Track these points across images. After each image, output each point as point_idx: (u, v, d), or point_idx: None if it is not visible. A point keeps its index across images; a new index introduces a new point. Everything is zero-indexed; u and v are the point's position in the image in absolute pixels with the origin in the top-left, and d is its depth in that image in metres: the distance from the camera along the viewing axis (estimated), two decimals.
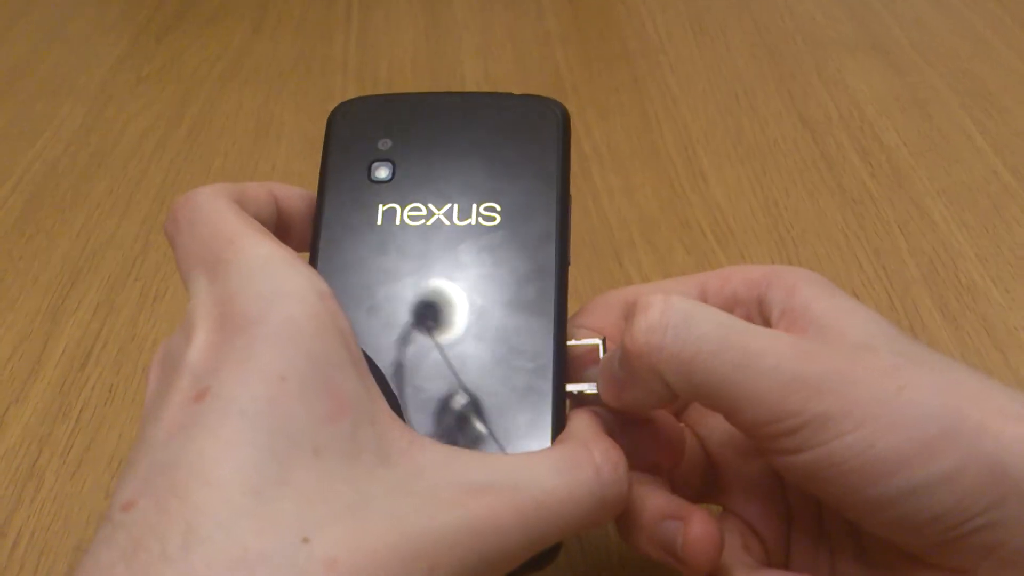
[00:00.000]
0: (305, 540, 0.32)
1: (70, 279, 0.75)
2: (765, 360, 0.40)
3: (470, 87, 0.95)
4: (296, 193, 0.48)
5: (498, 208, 0.46)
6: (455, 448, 0.39)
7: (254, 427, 0.34)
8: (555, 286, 0.45)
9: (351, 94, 0.92)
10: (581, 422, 0.42)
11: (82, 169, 0.88)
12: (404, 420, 0.40)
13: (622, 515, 0.45)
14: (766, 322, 0.45)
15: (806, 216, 0.76)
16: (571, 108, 0.86)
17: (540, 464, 0.39)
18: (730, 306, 0.47)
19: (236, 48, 1.05)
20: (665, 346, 0.40)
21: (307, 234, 0.47)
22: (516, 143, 0.48)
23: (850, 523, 0.45)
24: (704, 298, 0.47)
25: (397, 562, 0.33)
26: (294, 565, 0.32)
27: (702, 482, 0.49)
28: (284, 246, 0.41)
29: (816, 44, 0.97)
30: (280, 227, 0.46)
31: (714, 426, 0.49)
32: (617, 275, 0.71)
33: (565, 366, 0.44)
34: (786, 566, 0.47)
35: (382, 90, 0.95)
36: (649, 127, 0.88)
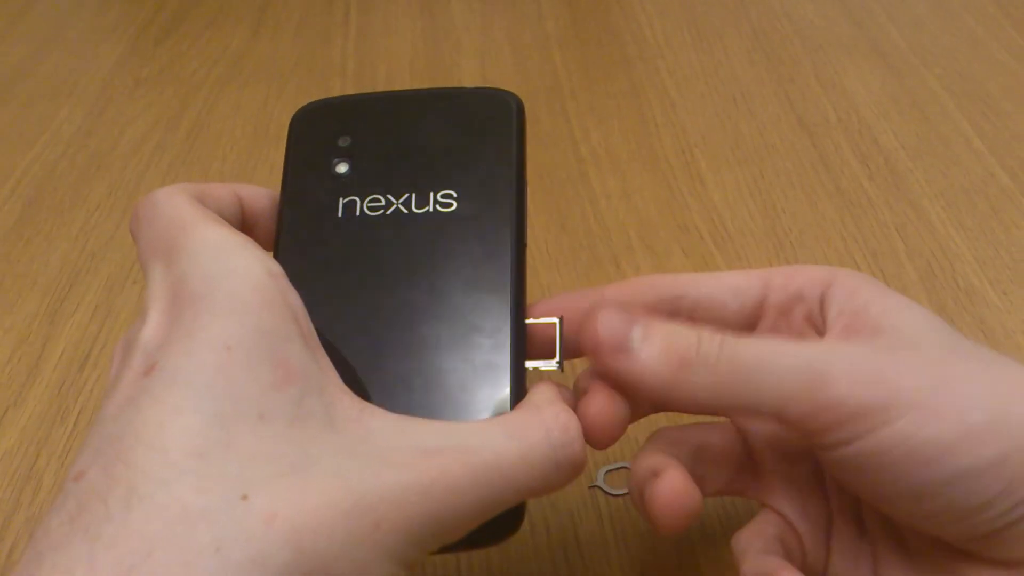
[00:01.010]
0: (244, 497, 0.33)
1: (68, 282, 0.75)
2: (793, 361, 0.41)
3: None
4: (261, 192, 0.49)
5: (455, 195, 0.47)
6: (407, 417, 0.39)
7: (199, 394, 0.35)
8: (511, 265, 0.46)
9: None
10: (538, 391, 0.43)
11: (81, 171, 0.88)
12: (367, 398, 0.41)
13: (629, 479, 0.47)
14: (824, 320, 0.46)
15: (804, 219, 0.76)
16: (569, 112, 0.87)
17: (491, 428, 0.40)
18: (794, 303, 0.48)
19: (235, 51, 1.05)
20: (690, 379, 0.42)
21: (272, 231, 0.48)
22: (472, 133, 0.50)
23: (891, 522, 0.46)
24: (768, 292, 0.48)
25: (340, 517, 0.34)
26: (233, 520, 0.33)
27: (735, 473, 0.49)
28: (237, 232, 0.42)
29: (814, 47, 0.97)
30: (245, 226, 0.47)
31: (758, 428, 0.49)
32: (614, 279, 0.71)
33: (524, 342, 0.45)
34: (826, 566, 0.48)
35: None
36: (647, 131, 0.88)
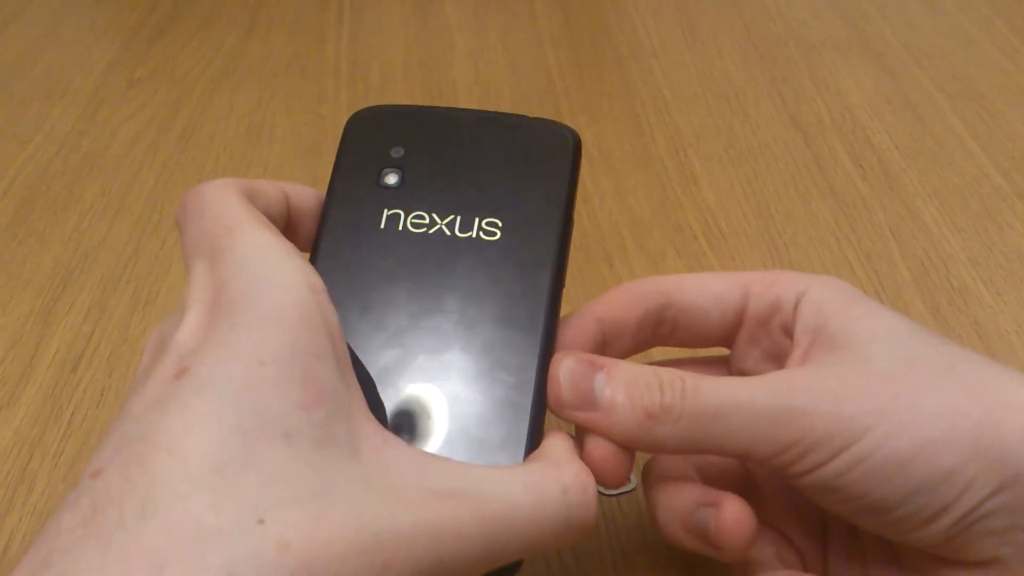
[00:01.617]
0: (260, 521, 0.33)
1: (62, 282, 0.75)
2: (751, 406, 0.42)
3: (461, 90, 0.95)
4: (308, 192, 0.49)
5: (500, 224, 0.47)
6: (427, 453, 0.40)
7: (226, 406, 0.35)
8: (546, 306, 0.45)
9: (343, 97, 0.92)
10: (556, 442, 0.43)
11: (74, 172, 0.88)
12: (384, 421, 0.41)
13: (660, 508, 0.47)
14: (792, 335, 0.47)
15: (798, 219, 0.76)
16: (563, 112, 0.86)
17: (509, 478, 0.40)
18: (771, 312, 0.49)
19: (228, 51, 1.05)
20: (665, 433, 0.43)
21: (314, 232, 0.48)
22: (526, 164, 0.49)
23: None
24: (748, 301, 0.49)
25: (353, 553, 0.34)
26: (246, 544, 0.32)
27: (736, 493, 0.48)
28: (283, 238, 0.42)
29: (808, 47, 0.97)
30: (290, 225, 0.47)
31: None
32: (608, 279, 0.72)
33: (547, 386, 0.44)
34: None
35: (374, 93, 0.95)
36: (641, 131, 0.88)
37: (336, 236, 0.48)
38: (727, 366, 0.53)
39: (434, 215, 0.47)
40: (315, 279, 0.40)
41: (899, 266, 0.71)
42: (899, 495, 0.41)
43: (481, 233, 0.47)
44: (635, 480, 0.58)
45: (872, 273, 0.70)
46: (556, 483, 0.40)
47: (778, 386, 0.43)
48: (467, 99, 0.94)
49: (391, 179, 0.49)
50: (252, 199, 0.44)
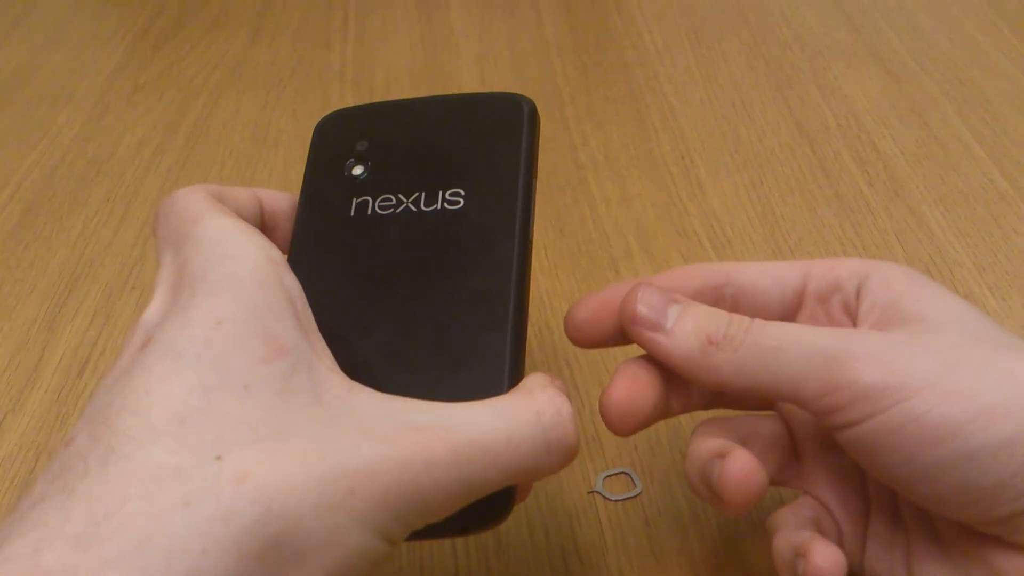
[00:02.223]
0: (218, 458, 0.35)
1: (67, 287, 0.75)
2: (811, 344, 0.43)
3: None
4: (281, 196, 0.51)
5: (463, 192, 0.48)
6: (396, 396, 0.40)
7: (186, 364, 0.37)
8: (516, 258, 0.46)
9: (348, 102, 0.92)
10: (530, 378, 0.43)
11: (79, 177, 0.88)
12: (361, 380, 0.41)
13: (686, 460, 0.48)
14: (857, 312, 0.48)
15: (803, 225, 0.76)
16: (568, 117, 0.87)
17: (479, 408, 0.41)
18: (831, 292, 0.49)
19: (233, 56, 1.05)
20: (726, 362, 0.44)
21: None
22: (483, 135, 0.51)
23: (925, 513, 0.46)
24: (808, 281, 0.50)
25: (312, 482, 0.35)
26: (204, 478, 0.34)
27: (782, 463, 0.50)
28: (243, 222, 0.44)
29: (813, 53, 0.97)
30: (265, 228, 0.49)
31: (804, 420, 0.51)
32: (614, 283, 0.72)
33: (524, 333, 0.45)
34: (862, 556, 0.49)
35: (379, 98, 0.95)
36: (646, 136, 0.88)
37: (310, 227, 0.50)
38: None
39: (400, 195, 0.49)
40: (273, 252, 0.42)
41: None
42: (953, 460, 0.40)
43: (445, 204, 0.48)
44: (640, 485, 0.58)
45: None
46: (529, 407, 0.41)
47: (840, 333, 0.44)
48: None
49: (357, 170, 0.51)
50: (222, 201, 0.46)
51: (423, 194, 0.49)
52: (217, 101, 0.98)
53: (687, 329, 0.45)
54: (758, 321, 0.45)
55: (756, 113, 0.90)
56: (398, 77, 0.99)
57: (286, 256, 0.46)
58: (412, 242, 0.48)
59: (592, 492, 0.58)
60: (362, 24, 1.10)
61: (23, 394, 0.67)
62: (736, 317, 0.45)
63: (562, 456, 0.42)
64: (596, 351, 0.66)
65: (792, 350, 0.43)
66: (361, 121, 0.54)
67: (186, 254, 0.42)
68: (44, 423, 0.65)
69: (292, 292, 0.41)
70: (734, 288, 0.50)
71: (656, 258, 0.74)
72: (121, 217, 0.82)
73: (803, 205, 0.78)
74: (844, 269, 0.48)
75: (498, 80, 0.97)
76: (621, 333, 0.49)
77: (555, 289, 0.72)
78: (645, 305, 0.46)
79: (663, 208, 0.79)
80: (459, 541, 0.55)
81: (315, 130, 0.54)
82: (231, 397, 0.37)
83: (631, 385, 0.47)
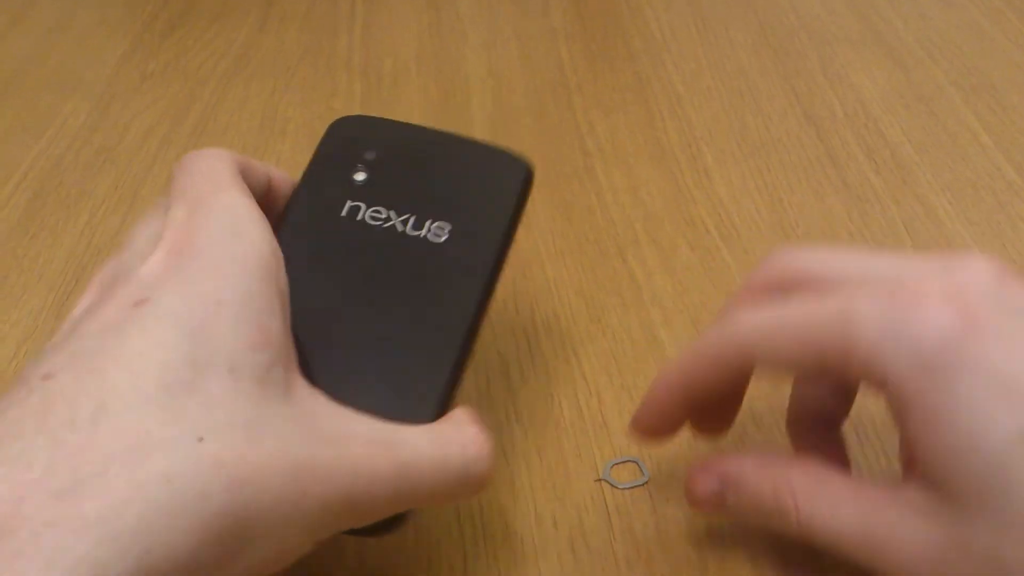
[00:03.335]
0: (200, 439, 0.37)
1: (74, 276, 0.75)
2: (845, 542, 0.45)
3: (474, 84, 0.95)
4: (287, 179, 0.54)
5: (448, 229, 0.52)
6: (346, 408, 0.44)
7: (182, 336, 0.39)
8: (476, 301, 0.51)
9: (356, 90, 0.92)
10: (459, 412, 0.48)
11: (86, 166, 0.88)
12: (311, 380, 0.45)
13: None
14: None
15: (811, 213, 0.76)
16: (575, 106, 0.87)
17: (418, 432, 0.45)
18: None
19: (241, 44, 1.05)
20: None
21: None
22: (481, 184, 0.55)
23: None
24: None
25: (275, 477, 0.38)
26: (186, 457, 0.36)
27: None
28: (259, 209, 0.47)
29: (820, 41, 0.97)
30: (266, 204, 0.51)
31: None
32: (621, 272, 0.72)
33: (465, 367, 0.49)
34: None
35: (386, 86, 0.95)
36: (653, 124, 0.88)
37: (300, 214, 0.53)
38: None
39: (391, 212, 0.53)
40: (278, 249, 0.46)
41: None
42: None
43: (429, 234, 0.52)
44: (647, 474, 0.58)
45: None
46: (458, 439, 0.45)
47: (882, 514, 0.44)
48: (480, 92, 0.94)
49: (359, 176, 0.54)
50: (244, 174, 0.49)
51: (413, 218, 0.53)
52: (225, 89, 0.98)
53: (743, 509, 0.49)
54: (804, 511, 0.46)
55: (763, 101, 0.90)
56: (406, 65, 0.99)
57: None
58: (388, 259, 0.52)
59: (600, 480, 0.58)
60: (370, 12, 1.10)
61: None
62: (783, 504, 0.46)
63: (476, 488, 0.46)
64: (605, 344, 0.66)
65: (834, 541, 0.45)
66: (376, 131, 0.58)
67: (198, 221, 0.44)
68: None
69: (283, 293, 0.45)
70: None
71: (663, 246, 0.74)
72: (129, 206, 0.82)
73: (810, 193, 0.78)
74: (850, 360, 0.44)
75: (505, 68, 0.97)
76: (682, 418, 0.52)
77: (562, 277, 0.72)
78: (704, 491, 0.50)
79: (670, 196, 0.79)
80: (467, 531, 0.55)
81: (330, 126, 0.57)
82: (216, 377, 0.39)
83: (658, 417, 0.52)
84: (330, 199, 0.54)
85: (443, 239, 0.52)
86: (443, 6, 1.10)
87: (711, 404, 0.52)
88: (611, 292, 0.70)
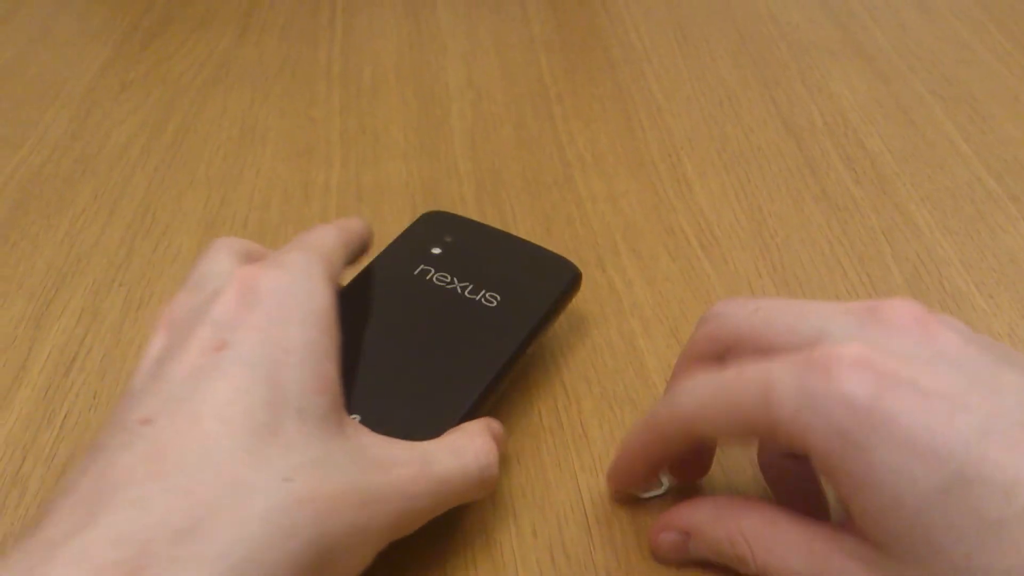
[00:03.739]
0: (286, 479, 0.42)
1: (54, 285, 0.75)
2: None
3: (454, 93, 0.95)
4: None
5: (499, 298, 0.62)
6: (385, 436, 0.50)
7: (259, 382, 0.44)
8: (507, 358, 0.59)
9: (335, 100, 0.92)
10: (472, 423, 0.54)
11: (67, 175, 0.88)
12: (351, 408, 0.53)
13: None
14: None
15: (790, 223, 0.76)
16: (555, 115, 0.87)
17: (441, 447, 0.50)
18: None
19: (221, 54, 1.05)
20: None
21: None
22: (535, 275, 0.65)
23: None
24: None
25: (348, 510, 0.44)
26: (278, 496, 0.41)
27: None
28: (327, 264, 0.53)
29: (800, 51, 0.98)
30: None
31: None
32: (600, 281, 0.72)
33: (485, 404, 0.57)
34: None
35: (366, 96, 0.95)
36: (633, 134, 0.88)
37: (381, 266, 0.65)
38: None
39: (454, 278, 0.63)
40: (334, 301, 0.51)
41: (892, 269, 0.71)
42: None
43: (483, 299, 0.62)
44: (666, 483, 0.58)
45: (865, 276, 0.71)
46: (471, 448, 0.51)
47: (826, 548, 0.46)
48: (459, 102, 0.94)
49: (435, 250, 0.66)
50: (345, 243, 0.58)
51: (471, 286, 0.63)
52: (205, 99, 0.98)
53: (705, 555, 0.51)
54: (760, 558, 0.48)
55: (743, 111, 0.90)
56: (385, 75, 0.99)
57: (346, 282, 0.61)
58: (441, 313, 0.61)
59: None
60: (349, 22, 1.10)
61: (10, 392, 0.67)
62: (739, 552, 0.48)
63: (489, 489, 0.53)
64: (585, 354, 0.67)
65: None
66: (456, 224, 0.69)
67: (266, 269, 0.50)
68: (31, 422, 0.64)
69: (336, 336, 0.50)
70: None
71: (643, 256, 0.74)
72: (108, 215, 0.82)
73: (790, 203, 0.78)
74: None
75: (485, 78, 0.97)
76: (653, 473, 0.57)
77: None
78: (667, 545, 0.53)
79: (650, 206, 0.79)
80: (446, 539, 0.55)
81: (420, 216, 0.69)
82: (289, 419, 0.44)
83: (629, 475, 0.56)
84: (407, 261, 0.65)
85: (494, 305, 0.62)
86: (423, 16, 1.10)
87: (683, 458, 0.56)
88: (591, 301, 0.70)
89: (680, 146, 0.86)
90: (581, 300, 0.69)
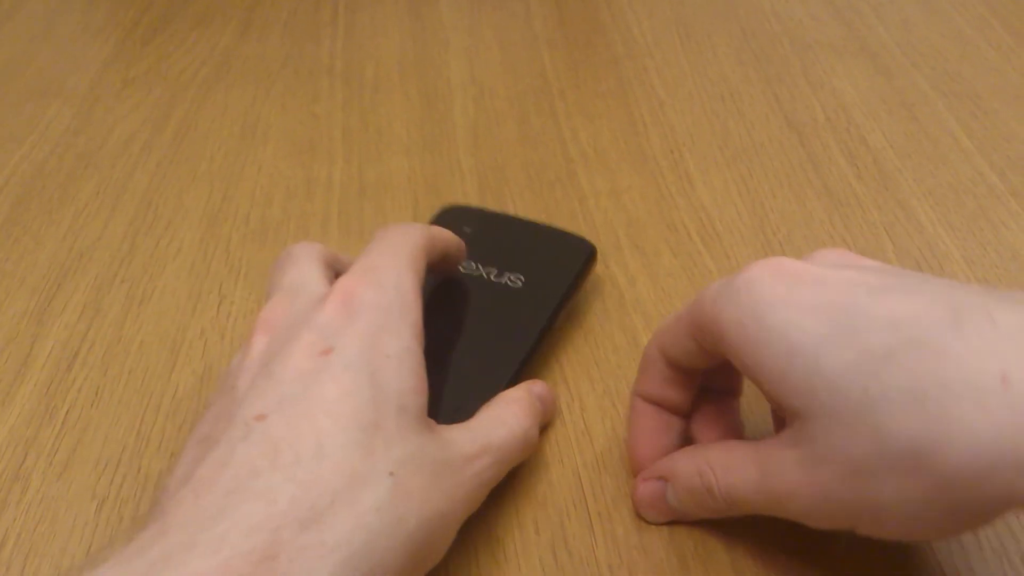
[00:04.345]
0: (391, 473, 0.45)
1: (56, 281, 0.75)
2: (755, 493, 0.50)
3: (456, 90, 0.95)
4: (460, 244, 0.65)
5: (522, 279, 0.66)
6: (455, 427, 0.52)
7: (365, 382, 0.48)
8: (538, 332, 0.63)
9: (337, 96, 0.92)
10: (508, 391, 0.58)
11: (69, 171, 0.88)
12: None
13: None
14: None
15: (792, 218, 0.76)
16: (558, 111, 0.87)
17: (491, 424, 0.54)
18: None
19: (223, 50, 1.05)
20: None
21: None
22: (553, 254, 0.69)
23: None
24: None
25: (439, 499, 0.47)
26: (386, 489, 0.45)
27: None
28: (418, 276, 0.56)
29: (803, 47, 0.98)
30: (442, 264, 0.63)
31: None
32: (603, 276, 0.72)
33: (519, 377, 0.61)
34: None
35: (368, 92, 0.95)
36: (635, 130, 0.88)
37: None
38: None
39: (479, 265, 0.67)
40: (422, 310, 0.54)
41: (894, 265, 0.71)
42: None
43: (507, 281, 0.66)
44: None
45: None
46: (512, 417, 0.55)
47: (772, 482, 0.48)
48: (462, 98, 0.94)
49: None
50: (428, 247, 0.59)
51: (495, 270, 0.67)
52: (206, 95, 0.98)
53: (681, 500, 0.54)
54: (723, 487, 0.51)
55: (745, 107, 0.90)
56: (388, 71, 0.99)
57: None
58: (473, 297, 0.65)
59: None
60: (351, 18, 1.10)
61: (12, 388, 0.67)
62: (708, 483, 0.51)
63: (531, 450, 0.57)
64: (587, 350, 0.67)
65: (744, 498, 0.50)
66: (474, 215, 0.72)
67: (368, 279, 0.53)
68: (33, 417, 0.65)
69: (423, 342, 0.53)
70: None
71: (646, 251, 0.74)
72: (111, 211, 0.82)
73: (792, 199, 0.78)
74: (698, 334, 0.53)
75: (488, 74, 0.97)
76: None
77: None
78: (647, 493, 0.56)
79: (652, 202, 0.79)
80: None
81: (439, 210, 0.73)
82: (391, 414, 0.47)
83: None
84: None
85: (519, 286, 0.66)
86: (425, 13, 1.10)
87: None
88: (593, 297, 0.70)
89: (682, 142, 0.86)
90: (583, 296, 0.69)
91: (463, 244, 0.65)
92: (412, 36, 1.05)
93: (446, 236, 0.62)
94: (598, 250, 0.70)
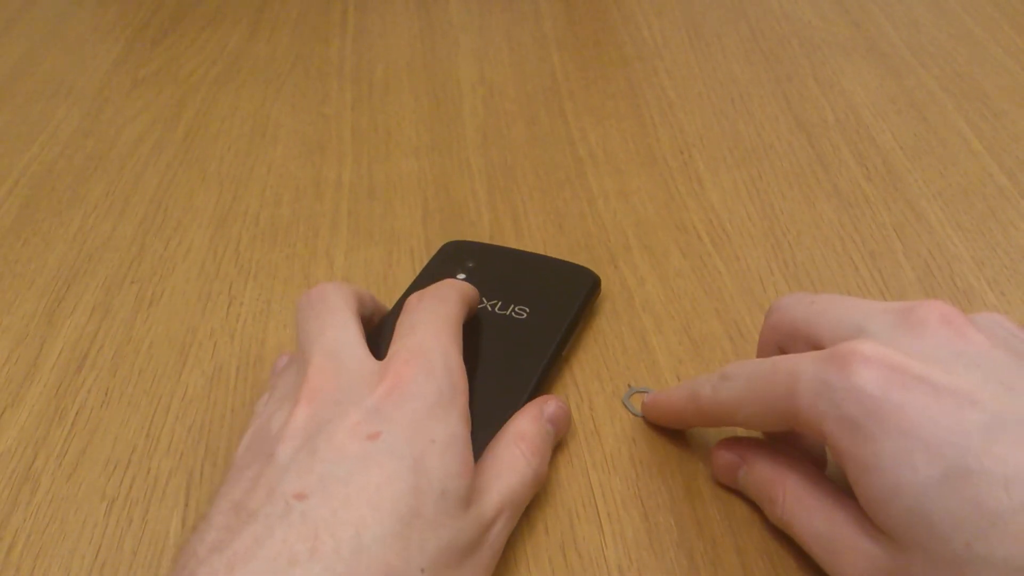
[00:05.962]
0: (423, 570, 0.45)
1: (66, 282, 0.75)
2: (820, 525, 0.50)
3: (465, 90, 0.95)
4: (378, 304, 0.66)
5: (527, 311, 0.66)
6: (477, 486, 0.52)
7: (407, 469, 0.47)
8: (547, 360, 0.63)
9: (347, 97, 0.92)
10: (509, 433, 0.57)
11: (78, 171, 0.88)
12: None
13: None
14: None
15: (802, 219, 0.76)
16: (567, 112, 0.87)
17: (504, 473, 0.54)
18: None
19: (232, 51, 1.05)
20: None
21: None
22: (556, 285, 0.69)
23: None
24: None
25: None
26: None
27: None
28: (457, 345, 0.56)
29: (812, 47, 0.97)
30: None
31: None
32: (613, 278, 0.72)
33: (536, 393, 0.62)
34: None
35: (377, 93, 0.95)
36: (645, 131, 0.88)
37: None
38: None
39: (483, 299, 0.67)
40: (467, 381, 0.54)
41: (903, 266, 0.71)
42: None
43: (512, 313, 0.66)
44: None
45: (876, 273, 0.70)
46: (526, 460, 0.55)
47: (838, 543, 0.48)
48: (471, 99, 0.94)
49: (460, 276, 0.69)
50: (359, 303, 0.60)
51: (500, 303, 0.67)
52: (216, 96, 0.98)
53: (747, 486, 0.56)
54: (790, 503, 0.52)
55: (755, 108, 0.90)
56: (397, 71, 0.99)
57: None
58: (479, 330, 0.65)
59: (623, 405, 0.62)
60: (361, 18, 1.10)
61: (22, 389, 0.67)
62: (775, 493, 0.52)
63: (542, 484, 0.57)
64: (597, 350, 0.67)
65: (818, 526, 0.50)
66: (475, 250, 0.73)
67: (419, 363, 0.52)
68: (43, 418, 0.65)
69: (469, 419, 0.53)
70: None
71: (655, 252, 0.74)
72: (120, 212, 0.82)
73: (802, 199, 0.78)
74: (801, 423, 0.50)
75: (497, 75, 0.97)
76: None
77: None
78: (725, 461, 0.57)
79: (662, 203, 0.79)
80: None
81: (441, 247, 0.73)
82: (431, 500, 0.47)
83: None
84: None
85: (524, 317, 0.66)
86: (435, 13, 1.10)
87: None
88: (602, 298, 0.70)
89: (692, 143, 0.86)
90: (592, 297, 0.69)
91: (478, 293, 0.65)
92: (421, 36, 1.05)
93: (474, 295, 0.63)
94: (611, 251, 0.70)
